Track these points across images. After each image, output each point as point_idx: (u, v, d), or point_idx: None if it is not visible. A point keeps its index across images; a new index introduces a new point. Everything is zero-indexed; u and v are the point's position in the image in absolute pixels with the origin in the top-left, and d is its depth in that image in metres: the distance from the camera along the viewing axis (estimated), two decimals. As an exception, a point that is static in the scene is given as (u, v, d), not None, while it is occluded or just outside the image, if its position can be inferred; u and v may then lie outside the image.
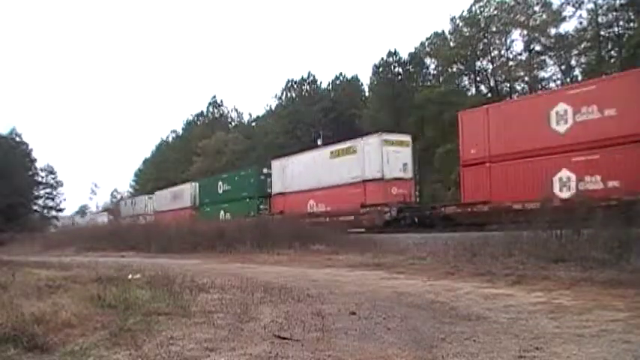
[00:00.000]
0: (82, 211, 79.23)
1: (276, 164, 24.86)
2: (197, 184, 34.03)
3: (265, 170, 26.47)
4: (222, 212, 28.80)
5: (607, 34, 30.24)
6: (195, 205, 32.98)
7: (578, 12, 30.99)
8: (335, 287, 7.86)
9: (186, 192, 34.30)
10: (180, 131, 63.69)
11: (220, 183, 30.24)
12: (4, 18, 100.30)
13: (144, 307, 5.71)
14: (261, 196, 26.05)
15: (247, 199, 26.92)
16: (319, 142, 42.51)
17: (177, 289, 7.30)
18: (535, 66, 34.18)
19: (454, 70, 38.03)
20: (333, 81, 49.00)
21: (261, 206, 25.78)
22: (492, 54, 36.56)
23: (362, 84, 47.97)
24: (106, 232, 28.55)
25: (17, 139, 52.59)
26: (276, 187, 24.49)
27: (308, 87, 48.93)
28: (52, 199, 57.40)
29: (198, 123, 59.99)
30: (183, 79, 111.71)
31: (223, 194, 29.61)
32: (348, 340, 4.36)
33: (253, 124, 56.05)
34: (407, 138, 20.18)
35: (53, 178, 57.04)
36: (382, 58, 40.93)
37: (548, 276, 7.84)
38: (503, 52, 36.12)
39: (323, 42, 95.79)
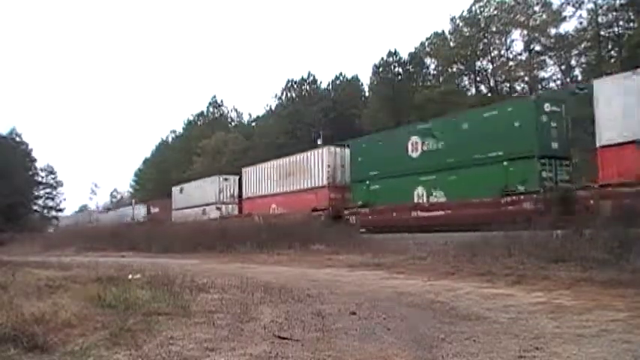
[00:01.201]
0: (83, 209, 77.91)
1: (614, 83, 12.52)
2: (338, 150, 21.53)
3: (548, 106, 14.42)
4: (419, 190, 16.93)
5: (607, 34, 30.21)
6: (335, 183, 21.04)
7: (578, 12, 31.00)
8: (335, 287, 7.86)
9: (316, 161, 21.82)
10: (180, 131, 63.71)
11: (415, 140, 17.34)
12: (4, 18, 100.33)
13: (144, 307, 5.70)
14: (544, 156, 13.98)
15: (504, 163, 14.48)
16: (319, 142, 42.46)
17: (178, 289, 7.30)
18: (535, 66, 34.14)
19: (454, 70, 38.00)
20: (333, 81, 48.98)
21: (544, 174, 13.88)
22: (492, 54, 36.53)
23: (362, 84, 47.96)
24: (106, 232, 28.57)
25: (17, 139, 52.83)
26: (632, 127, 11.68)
27: (308, 87, 48.86)
28: (52, 199, 57.63)
29: (199, 123, 59.96)
30: (183, 79, 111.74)
31: (425, 157, 16.93)
32: (348, 340, 4.36)
33: (253, 124, 56.01)
34: None
35: (53, 178, 57.22)
36: (382, 58, 40.90)
37: (548, 276, 7.84)
38: (503, 52, 36.10)
39: (323, 42, 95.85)
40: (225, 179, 30.36)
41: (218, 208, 28.71)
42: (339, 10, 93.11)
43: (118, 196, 76.75)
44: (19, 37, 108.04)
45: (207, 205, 30.08)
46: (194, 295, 6.89)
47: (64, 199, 60.07)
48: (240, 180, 28.90)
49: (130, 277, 8.74)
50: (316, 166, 21.85)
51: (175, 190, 36.47)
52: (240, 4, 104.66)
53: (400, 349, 4.04)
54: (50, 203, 57.48)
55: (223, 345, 4.23)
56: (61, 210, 58.83)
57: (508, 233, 10.60)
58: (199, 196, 31.50)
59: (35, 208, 55.78)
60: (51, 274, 9.56)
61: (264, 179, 25.60)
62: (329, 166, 21.21)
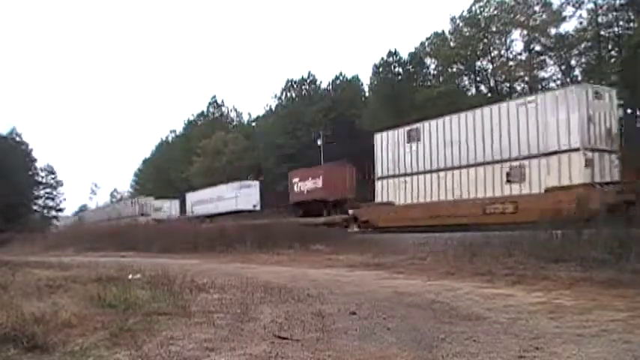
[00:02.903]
0: (83, 208, 75.73)
1: None
2: None
3: None
4: None
5: (607, 34, 30.22)
6: None
7: (578, 12, 31.00)
8: (335, 287, 7.86)
9: None
10: (180, 131, 63.67)
11: None
12: (4, 18, 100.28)
13: (144, 307, 5.71)
14: None
15: None
16: (319, 142, 42.49)
17: (178, 289, 7.31)
18: (535, 66, 34.14)
19: (454, 70, 37.99)
20: (333, 81, 48.96)
21: None
22: (492, 54, 36.52)
23: (362, 84, 47.94)
24: (106, 232, 28.56)
25: (17, 139, 52.94)
26: None
27: (308, 87, 48.86)
28: (52, 199, 57.67)
29: (199, 123, 59.94)
30: (183, 79, 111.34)
31: None
32: (348, 340, 4.36)
33: (253, 124, 56.04)
34: None
35: (53, 178, 57.26)
36: (382, 58, 40.91)
37: (548, 276, 7.84)
38: (503, 52, 36.09)
39: (323, 42, 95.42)
40: (597, 94, 13.82)
41: (588, 164, 13.02)
42: (339, 10, 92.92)
43: (118, 196, 76.53)
44: (20, 37, 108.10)
45: (542, 155, 13.89)
46: (194, 295, 6.90)
47: (64, 199, 60.03)
48: None
49: (130, 277, 8.75)
50: None
51: (396, 135, 18.82)
52: (240, 4, 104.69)
53: (400, 349, 4.03)
54: (50, 203, 57.63)
55: (223, 345, 4.23)
56: (61, 210, 58.91)
57: (508, 233, 10.61)
58: (502, 142, 14.87)
59: (35, 208, 55.86)
60: (51, 274, 9.57)
61: None
62: None
